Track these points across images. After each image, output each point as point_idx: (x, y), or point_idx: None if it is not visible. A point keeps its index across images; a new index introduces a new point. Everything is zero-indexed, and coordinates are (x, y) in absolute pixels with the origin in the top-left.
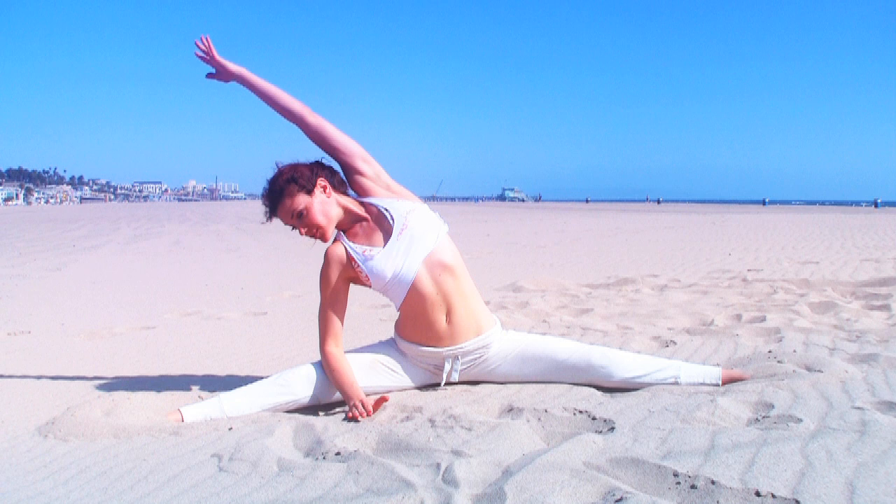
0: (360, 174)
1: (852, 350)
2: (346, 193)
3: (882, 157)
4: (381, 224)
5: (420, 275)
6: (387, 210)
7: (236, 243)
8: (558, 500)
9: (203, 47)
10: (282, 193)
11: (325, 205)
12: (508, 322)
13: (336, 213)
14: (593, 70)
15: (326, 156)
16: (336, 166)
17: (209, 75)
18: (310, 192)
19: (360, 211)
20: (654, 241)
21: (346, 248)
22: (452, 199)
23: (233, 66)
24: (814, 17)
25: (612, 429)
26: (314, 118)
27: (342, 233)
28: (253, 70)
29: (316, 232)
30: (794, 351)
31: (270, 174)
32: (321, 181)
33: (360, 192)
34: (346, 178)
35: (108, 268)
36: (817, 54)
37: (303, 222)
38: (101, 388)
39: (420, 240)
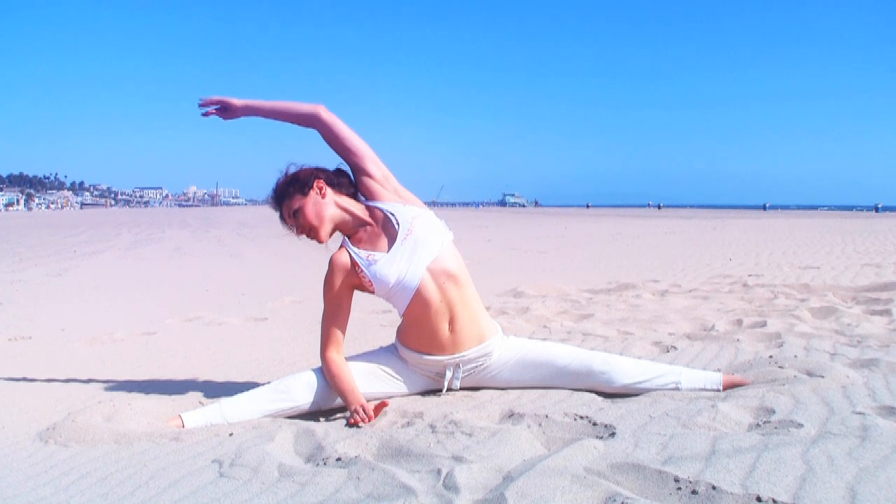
0: (369, 176)
1: (853, 355)
2: (353, 197)
3: (884, 161)
4: (387, 229)
5: (424, 281)
6: (392, 215)
7: (237, 249)
8: None
9: (207, 102)
10: (281, 195)
11: (319, 205)
12: (509, 327)
13: (331, 215)
14: (595, 75)
15: (343, 162)
16: (346, 170)
17: (219, 113)
18: (305, 192)
19: (365, 215)
20: (654, 246)
21: (350, 255)
22: (453, 204)
23: (238, 102)
24: (815, 22)
25: (613, 434)
26: (328, 115)
27: (347, 238)
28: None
29: (310, 232)
30: (795, 356)
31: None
32: (318, 182)
33: (367, 195)
34: (354, 180)
35: (109, 273)
36: (819, 59)
37: (298, 222)
38: (101, 393)
39: (424, 246)
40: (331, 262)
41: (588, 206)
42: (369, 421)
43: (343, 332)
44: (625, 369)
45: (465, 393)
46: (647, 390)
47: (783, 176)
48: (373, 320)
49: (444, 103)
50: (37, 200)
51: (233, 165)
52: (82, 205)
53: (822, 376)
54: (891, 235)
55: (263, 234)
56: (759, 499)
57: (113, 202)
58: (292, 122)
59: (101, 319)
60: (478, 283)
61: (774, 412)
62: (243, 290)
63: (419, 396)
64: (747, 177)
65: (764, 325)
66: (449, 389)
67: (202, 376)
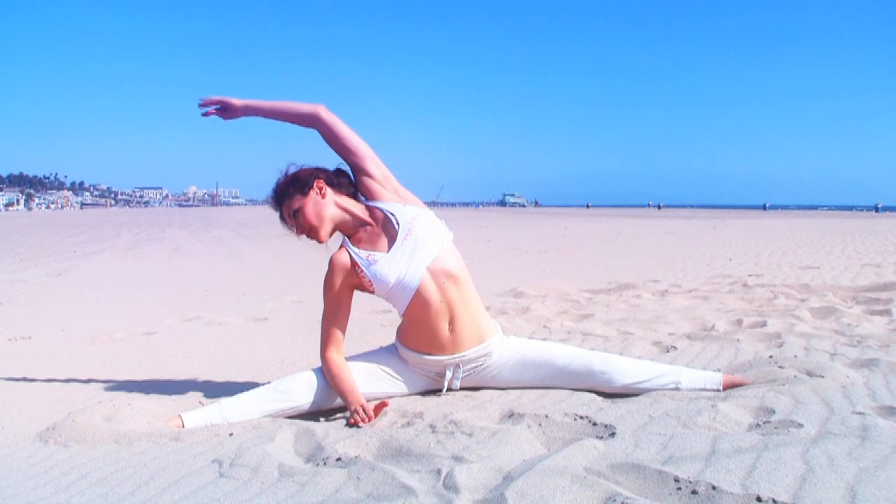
0: (369, 176)
1: (853, 355)
2: (353, 197)
3: (884, 161)
4: (387, 229)
5: (424, 281)
6: (392, 215)
7: (237, 249)
8: None
9: (207, 102)
10: (281, 195)
11: (319, 205)
12: (509, 327)
13: (331, 215)
14: (595, 75)
15: (343, 162)
16: (346, 170)
17: (219, 113)
18: (305, 192)
19: (365, 215)
20: (654, 246)
21: (350, 255)
22: (453, 204)
23: (238, 102)
24: (815, 22)
25: (613, 434)
26: (328, 115)
27: (347, 238)
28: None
29: (310, 232)
30: (795, 356)
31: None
32: (318, 182)
33: (367, 195)
34: (354, 180)
35: (109, 273)
36: (819, 59)
37: (298, 223)
38: (101, 393)
39: (424, 246)
40: (331, 262)
41: (588, 206)
42: (369, 421)
43: (343, 332)
44: (625, 369)
45: (465, 393)
46: (647, 390)
47: (783, 176)
48: (373, 320)
49: (444, 103)
50: (37, 200)
51: (233, 165)
52: (82, 205)
53: (822, 376)
54: (891, 235)
55: (263, 234)
56: (759, 499)
57: (113, 202)
58: (292, 122)
59: (101, 319)
60: (478, 283)
61: (774, 412)
62: (243, 290)
63: (419, 396)
64: (747, 177)
65: (764, 325)
66: (449, 389)
67: (202, 376)
